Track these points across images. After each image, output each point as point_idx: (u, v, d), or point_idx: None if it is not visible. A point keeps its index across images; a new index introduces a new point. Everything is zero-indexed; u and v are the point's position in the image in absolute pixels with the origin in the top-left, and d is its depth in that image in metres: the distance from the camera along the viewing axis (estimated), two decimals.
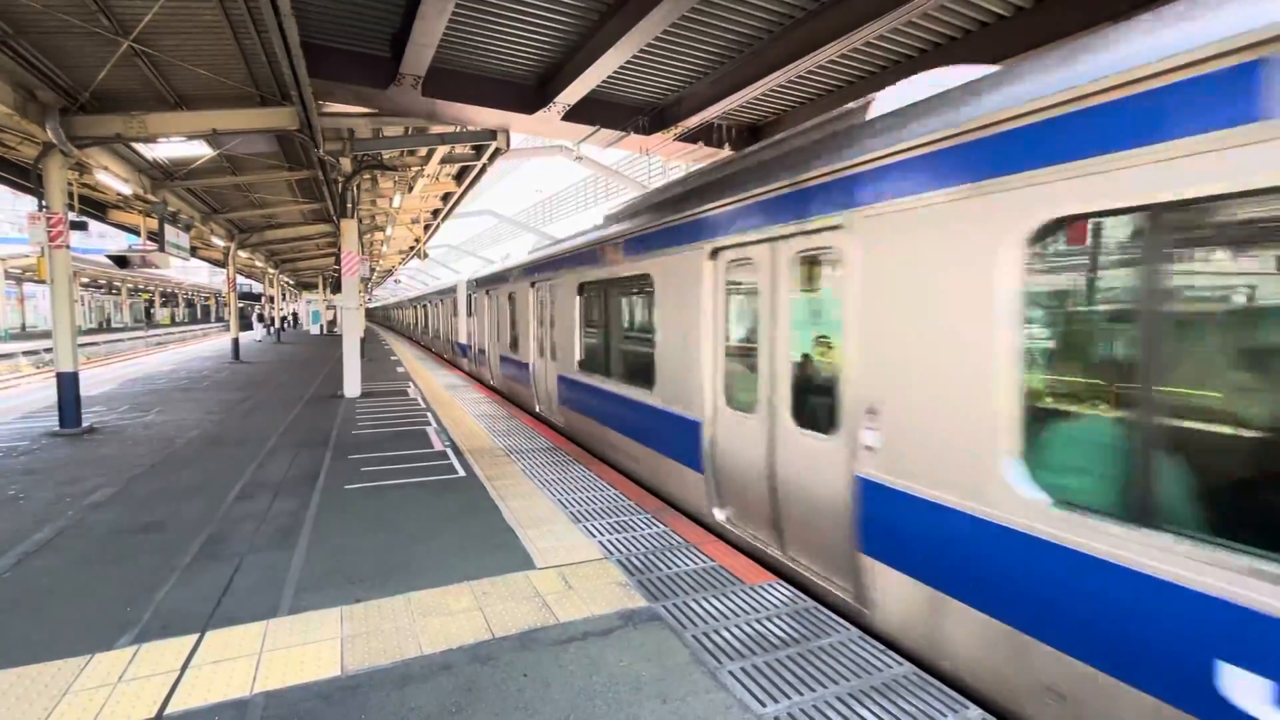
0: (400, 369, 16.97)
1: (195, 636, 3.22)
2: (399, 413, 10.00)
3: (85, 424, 8.70)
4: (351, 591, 3.73)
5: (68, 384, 8.45)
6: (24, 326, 41.47)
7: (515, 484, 5.95)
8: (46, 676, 2.87)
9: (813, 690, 2.78)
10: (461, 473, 6.37)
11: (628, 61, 9.14)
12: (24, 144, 9.40)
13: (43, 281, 8.66)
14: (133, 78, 7.83)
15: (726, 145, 12.31)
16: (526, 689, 2.77)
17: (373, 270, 39.56)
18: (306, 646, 3.12)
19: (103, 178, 10.25)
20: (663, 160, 14.70)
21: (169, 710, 2.63)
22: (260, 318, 31.65)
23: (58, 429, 8.43)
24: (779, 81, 9.24)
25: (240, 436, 8.29)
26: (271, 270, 31.97)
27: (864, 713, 2.62)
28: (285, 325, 40.29)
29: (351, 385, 11.87)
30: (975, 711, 2.62)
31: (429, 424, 9.00)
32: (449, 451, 7.28)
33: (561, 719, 2.57)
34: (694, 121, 10.90)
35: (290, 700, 2.70)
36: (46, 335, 32.99)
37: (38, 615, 3.47)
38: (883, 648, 3.11)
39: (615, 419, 6.69)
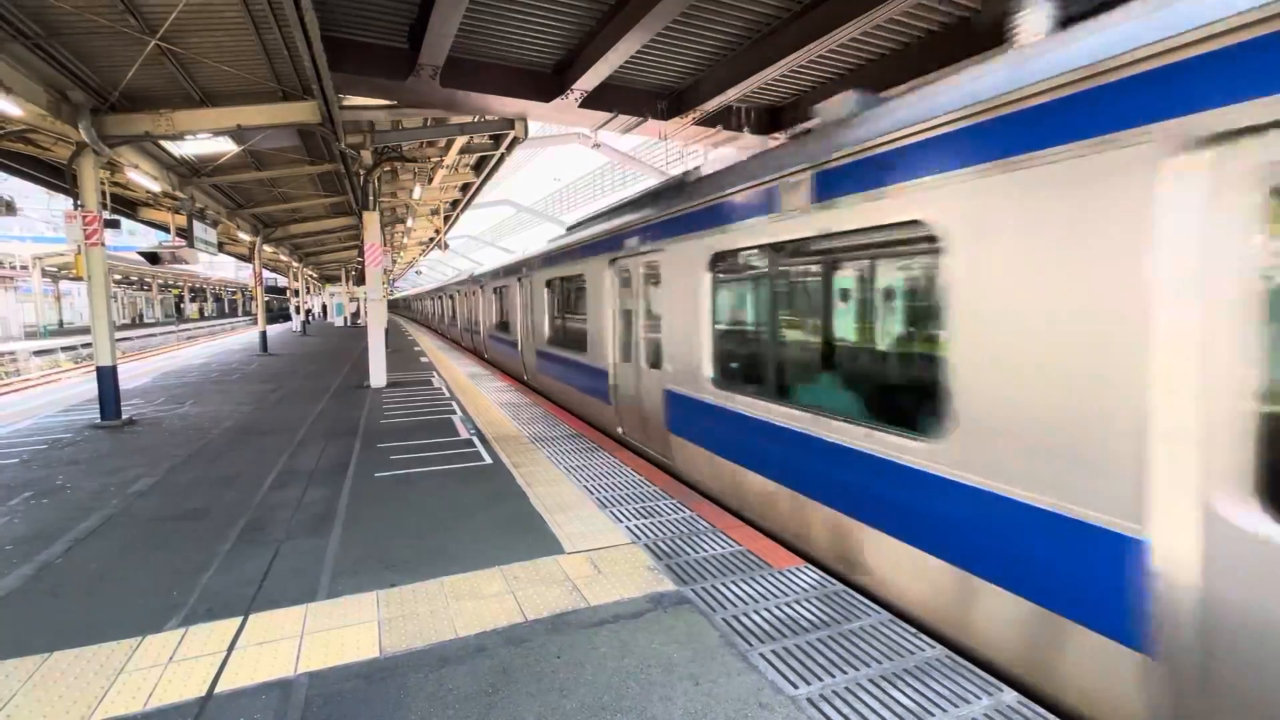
0: (424, 359, 17.19)
1: (239, 619, 3.33)
2: (424, 402, 10.14)
3: (124, 416, 8.98)
4: (386, 576, 3.82)
5: (107, 377, 8.71)
6: (61, 323, 42.74)
7: (541, 470, 6.01)
8: (102, 657, 2.99)
9: (844, 673, 2.79)
10: (488, 460, 6.46)
11: (645, 46, 9.05)
12: (58, 145, 9.63)
13: (79, 279, 8.91)
14: (160, 76, 7.96)
15: (746, 129, 12.17)
16: (560, 670, 2.82)
17: (394, 262, 40.08)
18: (345, 629, 3.21)
19: (133, 176, 10.48)
20: (680, 145, 14.59)
21: (218, 689, 2.73)
22: (297, 309, 33.58)
23: (99, 421, 8.71)
24: (798, 62, 9.09)
25: (272, 427, 8.48)
26: (296, 264, 32.50)
27: (897, 695, 2.63)
28: (310, 318, 41.20)
29: (377, 376, 12.07)
30: (1010, 694, 2.60)
31: (454, 413, 9.12)
32: (475, 439, 7.38)
33: (595, 700, 2.62)
34: (712, 105, 10.79)
35: (332, 680, 2.78)
36: (83, 331, 34.03)
37: (90, 599, 3.61)
38: (915, 631, 3.10)
39: (826, 485, 3.94)
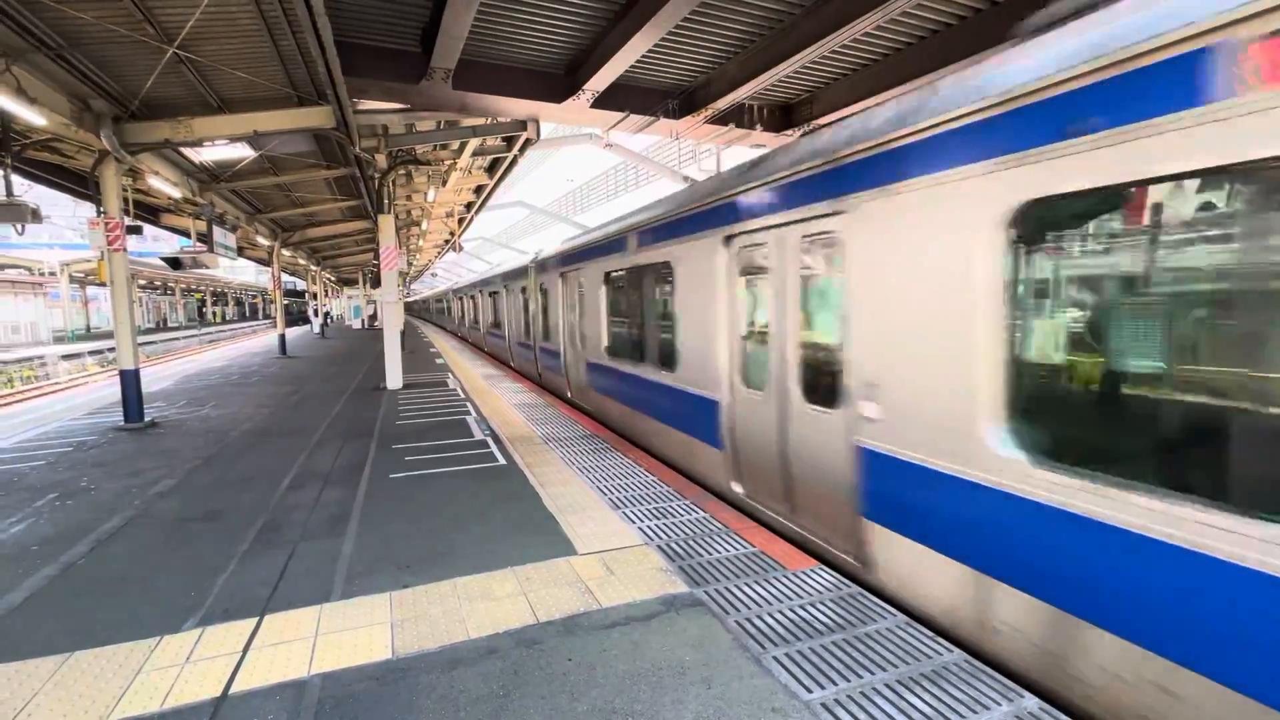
0: (439, 361, 17.32)
1: (255, 620, 3.36)
2: (439, 403, 10.20)
3: (147, 419, 9.14)
4: (400, 577, 3.83)
5: (130, 381, 8.88)
6: (89, 328, 43.69)
7: (554, 471, 6.01)
8: (121, 657, 3.04)
9: (859, 677, 2.74)
10: (502, 461, 6.47)
11: (656, 44, 9.02)
12: (80, 153, 9.83)
13: (104, 284, 9.09)
14: (178, 84, 8.09)
15: (758, 126, 12.08)
16: (572, 673, 2.80)
17: (410, 265, 40.45)
18: (359, 630, 3.22)
19: (154, 182, 10.67)
20: (694, 144, 14.51)
21: (233, 690, 2.76)
22: (315, 312, 34.35)
23: (122, 424, 8.87)
24: (811, 58, 8.99)
25: (289, 428, 8.58)
26: (313, 267, 32.93)
27: (913, 700, 2.58)
28: (329, 320, 41.79)
29: (393, 378, 12.17)
30: (1031, 700, 2.54)
31: (469, 414, 9.17)
32: (489, 440, 7.40)
33: (606, 703, 2.60)
34: (724, 103, 10.72)
35: (345, 681, 2.79)
36: (109, 336, 34.74)
37: (111, 599, 3.67)
38: (931, 635, 3.05)
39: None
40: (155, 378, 15.11)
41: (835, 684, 2.69)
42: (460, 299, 29.08)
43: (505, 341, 16.63)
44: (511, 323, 15.66)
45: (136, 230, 10.14)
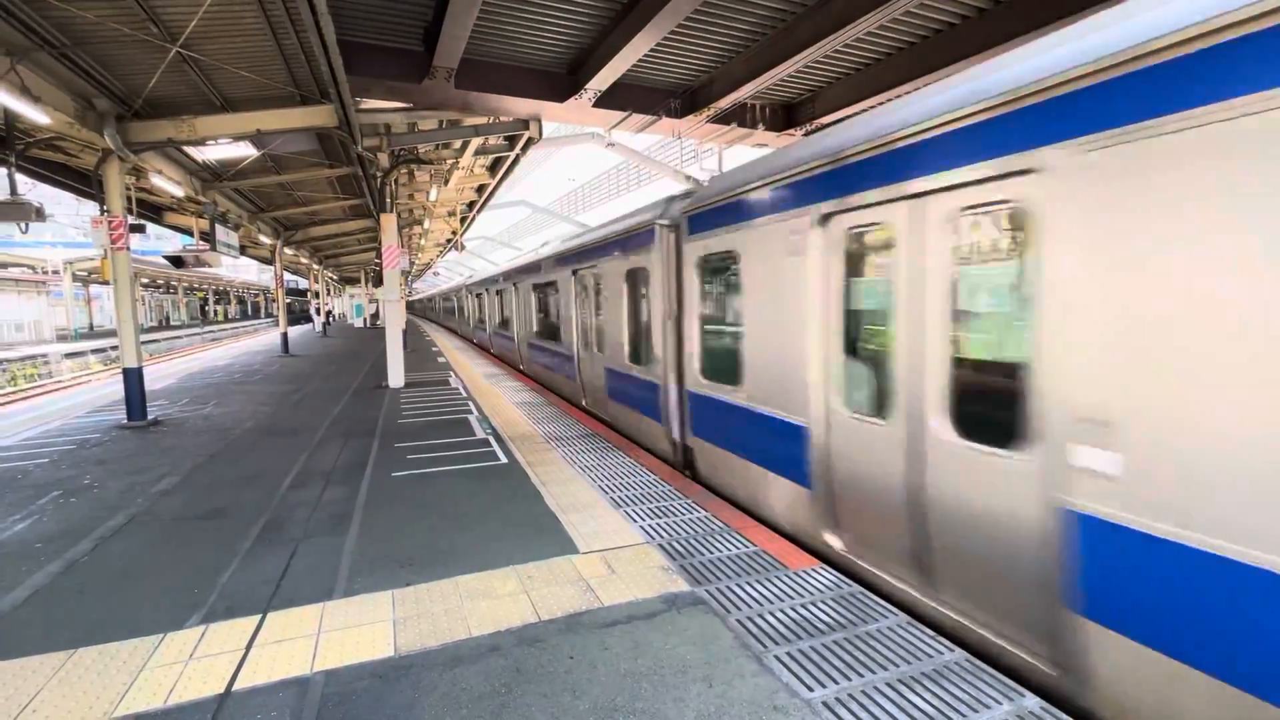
0: (441, 359, 17.33)
1: (258, 617, 3.37)
2: (442, 402, 10.22)
3: (150, 417, 9.16)
4: (402, 575, 3.84)
5: (133, 379, 8.90)
6: (91, 326, 43.74)
7: (556, 470, 6.02)
8: (125, 654, 3.05)
9: (861, 675, 2.74)
10: (503, 459, 6.48)
11: (659, 43, 9.02)
12: (84, 152, 9.86)
13: (106, 282, 9.11)
14: (181, 83, 8.11)
15: (761, 126, 12.07)
16: (573, 671, 2.81)
17: (412, 263, 40.47)
18: (361, 628, 3.23)
19: (157, 181, 10.69)
20: (695, 144, 14.51)
21: (236, 687, 2.77)
22: (318, 311, 34.98)
23: (125, 422, 8.90)
24: (814, 57, 8.99)
25: (292, 427, 8.60)
26: (316, 266, 32.95)
27: (915, 699, 2.58)
28: (330, 319, 41.90)
29: (395, 376, 12.18)
30: (1032, 699, 2.54)
31: (471, 413, 9.18)
32: (491, 439, 7.41)
33: (608, 700, 2.61)
34: (726, 102, 10.71)
35: (347, 679, 2.80)
36: (112, 334, 34.79)
37: (115, 596, 3.68)
38: (933, 634, 3.05)
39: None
40: (158, 376, 15.14)
41: (837, 682, 2.70)
42: (480, 296, 21.10)
43: (576, 366, 9.83)
44: (597, 337, 8.72)
45: (139, 229, 10.15)
